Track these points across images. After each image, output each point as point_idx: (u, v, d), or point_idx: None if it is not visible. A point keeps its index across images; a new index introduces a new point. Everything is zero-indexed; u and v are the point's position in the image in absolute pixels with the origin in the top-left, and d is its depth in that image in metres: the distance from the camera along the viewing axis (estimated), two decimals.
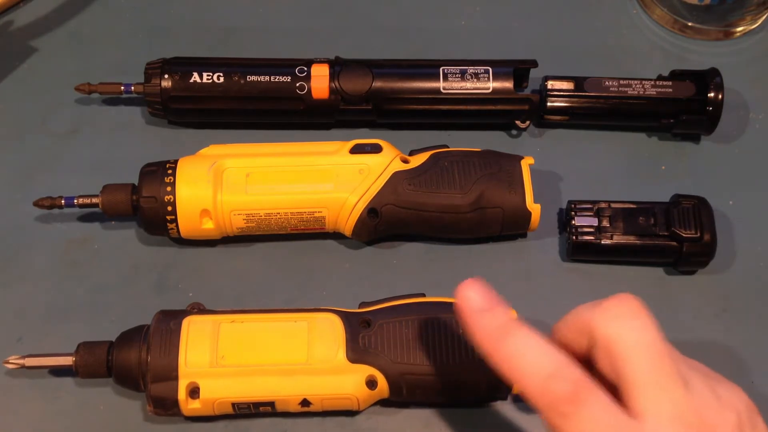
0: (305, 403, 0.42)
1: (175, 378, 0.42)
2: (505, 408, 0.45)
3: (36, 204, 0.48)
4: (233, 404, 0.42)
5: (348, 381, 0.42)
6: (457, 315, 0.36)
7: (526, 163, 0.48)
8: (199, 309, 0.44)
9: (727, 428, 0.33)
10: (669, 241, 0.48)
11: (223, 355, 0.42)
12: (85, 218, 0.50)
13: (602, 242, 0.48)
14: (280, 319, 0.43)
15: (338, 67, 0.51)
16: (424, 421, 0.45)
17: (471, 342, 0.36)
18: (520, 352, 0.34)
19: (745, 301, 0.49)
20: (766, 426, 0.36)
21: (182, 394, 0.42)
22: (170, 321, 0.43)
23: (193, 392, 0.42)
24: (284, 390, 0.42)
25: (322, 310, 0.44)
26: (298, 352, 0.42)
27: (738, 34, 0.58)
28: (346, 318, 0.43)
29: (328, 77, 0.51)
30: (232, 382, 0.42)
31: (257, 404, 0.42)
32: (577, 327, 0.36)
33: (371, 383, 0.42)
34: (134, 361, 0.42)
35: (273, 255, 0.50)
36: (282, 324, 0.43)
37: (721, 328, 0.48)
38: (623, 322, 0.34)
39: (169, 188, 0.46)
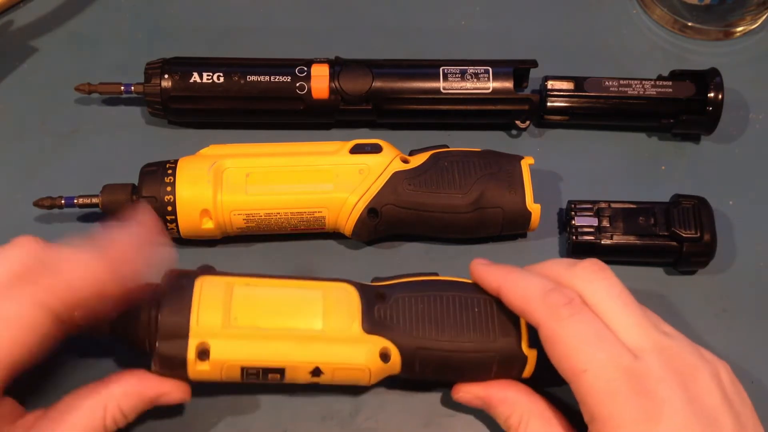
0: (316, 372, 0.41)
1: (185, 336, 0.40)
2: None
3: (36, 204, 0.48)
4: (242, 368, 0.41)
5: (361, 351, 0.41)
6: (473, 274, 0.44)
7: (526, 163, 0.48)
8: (210, 271, 0.43)
9: (705, 372, 0.38)
10: (669, 241, 0.48)
11: (236, 317, 0.41)
12: (85, 218, 0.50)
13: (602, 242, 0.48)
14: (296, 286, 0.43)
15: (338, 67, 0.51)
16: (424, 421, 0.45)
17: (485, 287, 0.43)
18: (524, 278, 0.41)
19: (745, 301, 0.49)
20: (750, 400, 0.39)
21: (192, 354, 0.40)
22: (182, 279, 0.41)
23: (203, 353, 0.40)
24: (296, 356, 0.41)
25: (337, 280, 0.43)
26: (313, 319, 0.41)
27: (738, 34, 0.58)
28: (362, 289, 0.43)
29: (328, 77, 0.51)
30: (244, 344, 0.41)
31: (267, 370, 0.41)
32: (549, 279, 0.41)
33: (384, 356, 0.42)
34: (144, 318, 0.40)
35: (273, 255, 0.50)
36: (297, 290, 0.42)
37: (721, 328, 0.48)
38: (594, 282, 0.40)
39: (169, 188, 0.46)
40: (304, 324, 0.41)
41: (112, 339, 0.42)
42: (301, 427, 0.45)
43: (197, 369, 0.40)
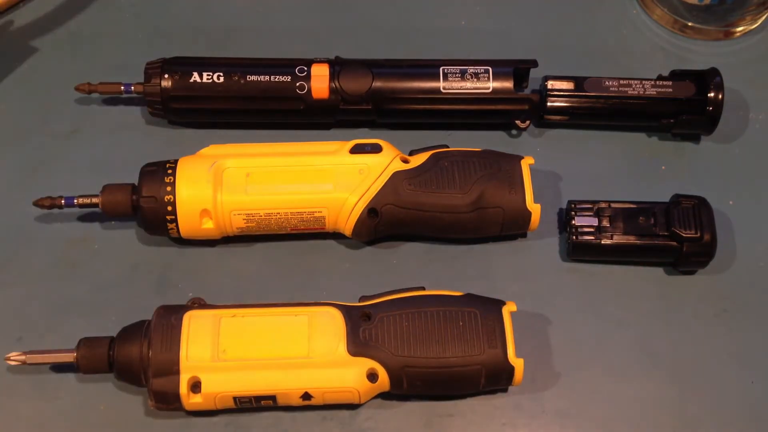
0: (306, 396, 0.43)
1: (177, 372, 0.42)
2: (506, 400, 0.46)
3: (36, 204, 0.48)
4: (235, 398, 0.42)
5: (349, 374, 0.42)
6: None
7: (526, 163, 0.48)
8: (200, 304, 0.44)
9: None
10: (669, 241, 0.48)
11: (225, 350, 0.42)
12: (85, 218, 0.50)
13: (602, 242, 0.48)
14: (281, 314, 0.44)
15: (338, 66, 0.51)
16: (424, 420, 0.45)
17: None
18: None
19: (745, 301, 0.49)
20: None
21: (184, 388, 0.42)
22: (171, 316, 0.43)
23: (195, 386, 0.42)
24: (285, 384, 0.42)
25: (322, 304, 0.44)
26: (299, 346, 0.42)
27: (738, 34, 0.58)
28: (347, 311, 0.44)
29: (328, 77, 0.51)
30: (234, 376, 0.42)
31: (258, 398, 0.43)
32: None
33: (372, 376, 0.43)
34: (136, 356, 0.42)
35: (273, 255, 0.50)
36: (283, 318, 0.43)
37: (721, 328, 0.48)
38: None
39: (169, 188, 0.46)
40: (290, 351, 0.42)
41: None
42: (302, 427, 0.45)
43: (191, 402, 0.42)
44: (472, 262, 0.50)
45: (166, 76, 0.50)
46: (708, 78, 0.51)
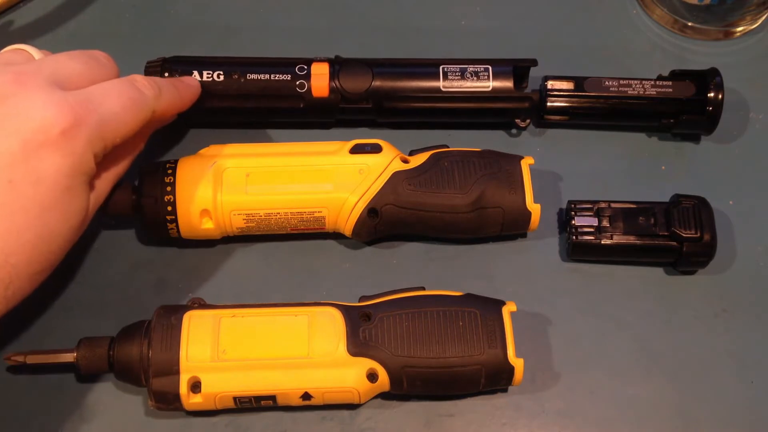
0: (306, 396, 0.43)
1: (177, 372, 0.42)
2: (506, 400, 0.46)
3: None
4: (235, 398, 0.42)
5: (349, 374, 0.42)
6: None
7: (526, 163, 0.48)
8: (200, 304, 0.44)
9: None
10: (669, 241, 0.48)
11: (224, 350, 0.42)
12: None
13: (602, 242, 0.48)
14: (281, 314, 0.44)
15: (338, 65, 0.51)
16: (424, 420, 0.45)
17: None
18: None
19: (745, 301, 0.49)
20: None
21: (183, 388, 0.42)
22: (171, 316, 0.43)
23: (195, 386, 0.42)
24: (285, 384, 0.42)
25: (322, 304, 0.44)
26: (298, 346, 0.42)
27: (738, 34, 0.58)
28: (347, 311, 0.44)
29: (328, 75, 0.51)
30: (234, 376, 0.42)
31: (258, 398, 0.43)
32: None
33: (372, 376, 0.43)
34: (136, 356, 0.42)
35: (273, 255, 0.50)
36: (283, 318, 0.43)
37: (721, 328, 0.48)
38: None
39: (169, 188, 0.46)
40: (291, 351, 0.42)
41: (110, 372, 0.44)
42: (302, 427, 0.45)
43: (191, 402, 0.42)
44: (472, 262, 0.50)
45: (167, 74, 0.50)
46: (708, 78, 0.51)
